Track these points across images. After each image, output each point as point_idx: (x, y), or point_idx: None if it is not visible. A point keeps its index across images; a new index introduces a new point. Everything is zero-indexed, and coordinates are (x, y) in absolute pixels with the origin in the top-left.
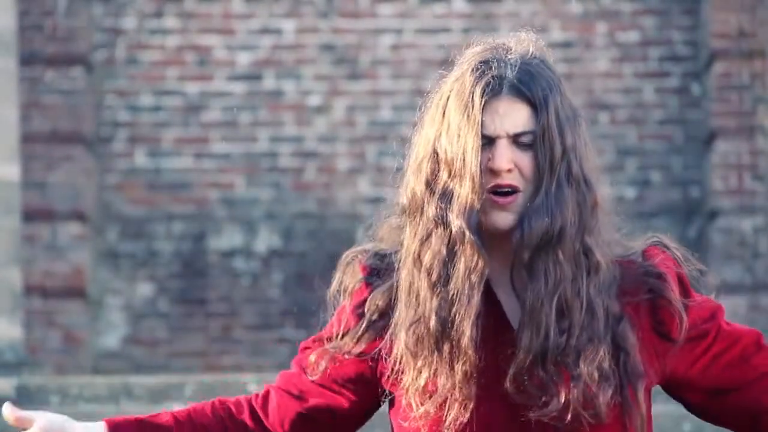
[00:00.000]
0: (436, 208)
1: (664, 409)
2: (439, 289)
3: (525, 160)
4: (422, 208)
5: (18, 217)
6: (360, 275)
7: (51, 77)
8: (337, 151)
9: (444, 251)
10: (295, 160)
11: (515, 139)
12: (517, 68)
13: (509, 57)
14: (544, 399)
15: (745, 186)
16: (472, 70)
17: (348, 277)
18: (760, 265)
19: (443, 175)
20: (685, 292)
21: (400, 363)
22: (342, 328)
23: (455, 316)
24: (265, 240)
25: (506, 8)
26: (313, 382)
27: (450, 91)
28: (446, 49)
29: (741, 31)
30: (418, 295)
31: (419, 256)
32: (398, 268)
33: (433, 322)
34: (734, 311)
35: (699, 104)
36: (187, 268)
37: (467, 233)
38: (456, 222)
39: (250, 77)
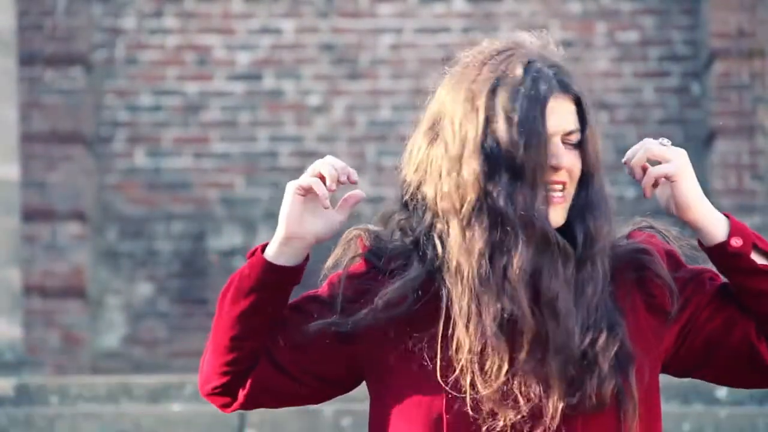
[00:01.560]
0: (501, 201)
1: (664, 409)
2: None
3: (573, 159)
4: (480, 207)
5: (18, 216)
6: (360, 251)
7: (51, 77)
8: (337, 151)
9: (498, 244)
10: (294, 159)
11: (565, 138)
12: (560, 65)
13: (545, 53)
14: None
15: (745, 186)
16: (524, 64)
17: (348, 252)
18: None
19: (501, 169)
20: (677, 265)
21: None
22: (337, 292)
23: (512, 305)
24: (265, 240)
25: (506, 8)
26: (290, 354)
27: (492, 87)
28: (446, 48)
29: (741, 30)
30: (473, 286)
31: (473, 245)
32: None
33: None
34: None
35: (699, 104)
36: (187, 267)
37: (547, 228)
38: (535, 217)
39: (250, 77)
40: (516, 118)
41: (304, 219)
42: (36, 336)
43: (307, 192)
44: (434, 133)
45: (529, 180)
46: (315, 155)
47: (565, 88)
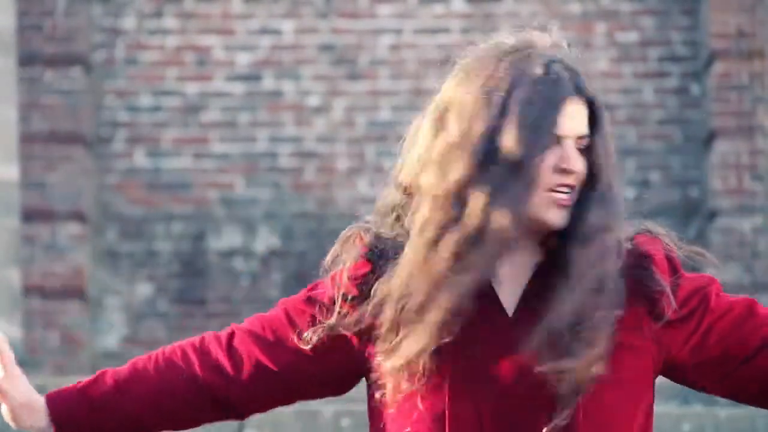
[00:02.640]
0: (483, 199)
1: (665, 409)
2: (444, 273)
3: (582, 162)
4: (458, 196)
5: (17, 217)
6: (360, 250)
7: (50, 77)
8: (337, 152)
9: (470, 241)
10: (294, 160)
11: (577, 142)
12: (575, 68)
13: (563, 56)
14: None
15: (745, 186)
16: (544, 64)
17: (348, 250)
18: (760, 265)
19: (498, 167)
20: (674, 271)
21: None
22: (338, 292)
23: (441, 295)
24: (265, 240)
25: (506, 8)
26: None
27: (511, 84)
28: (446, 49)
29: (740, 31)
30: (416, 275)
31: (437, 240)
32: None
33: (421, 297)
34: None
35: (698, 104)
36: (187, 268)
37: (509, 228)
38: (501, 215)
39: (250, 77)
40: (531, 119)
41: None
42: (36, 336)
43: None
44: (441, 123)
45: (529, 180)
46: (315, 155)
47: (581, 92)
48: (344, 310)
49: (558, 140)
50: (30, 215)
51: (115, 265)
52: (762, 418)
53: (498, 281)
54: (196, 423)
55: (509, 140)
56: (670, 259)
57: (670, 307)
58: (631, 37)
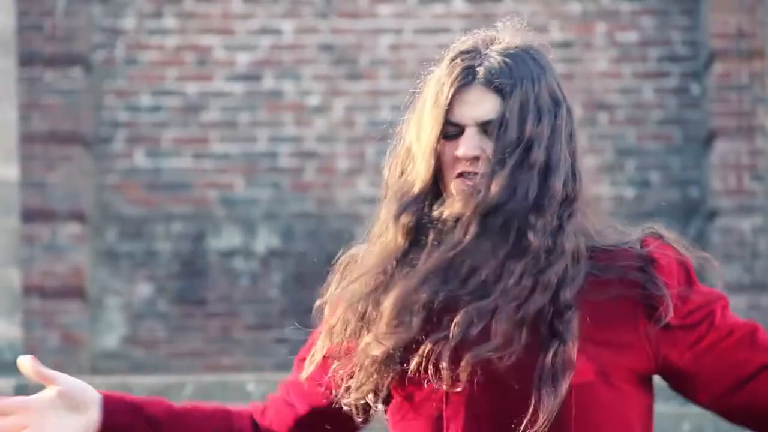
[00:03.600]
0: (394, 195)
1: (664, 409)
2: (378, 270)
3: (489, 146)
4: (386, 195)
5: (17, 217)
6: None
7: (50, 77)
8: (337, 151)
9: (385, 234)
10: (294, 160)
11: (483, 128)
12: (492, 59)
13: (490, 48)
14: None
15: (745, 186)
16: (450, 60)
17: (345, 277)
18: (760, 265)
19: (409, 163)
20: (688, 279)
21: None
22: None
23: (380, 292)
24: (265, 240)
25: (506, 8)
26: (308, 386)
27: (430, 83)
28: (445, 49)
29: (740, 31)
30: (362, 274)
31: (373, 241)
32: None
33: (363, 299)
34: (734, 311)
35: (698, 104)
36: (187, 268)
37: (399, 215)
38: (395, 205)
39: (250, 77)
40: (425, 114)
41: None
42: (35, 336)
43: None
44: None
45: (421, 169)
46: (315, 155)
47: (486, 81)
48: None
49: (461, 130)
50: (30, 215)
51: (115, 265)
52: None
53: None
54: None
55: (412, 135)
56: (683, 266)
57: (668, 313)
58: (631, 37)
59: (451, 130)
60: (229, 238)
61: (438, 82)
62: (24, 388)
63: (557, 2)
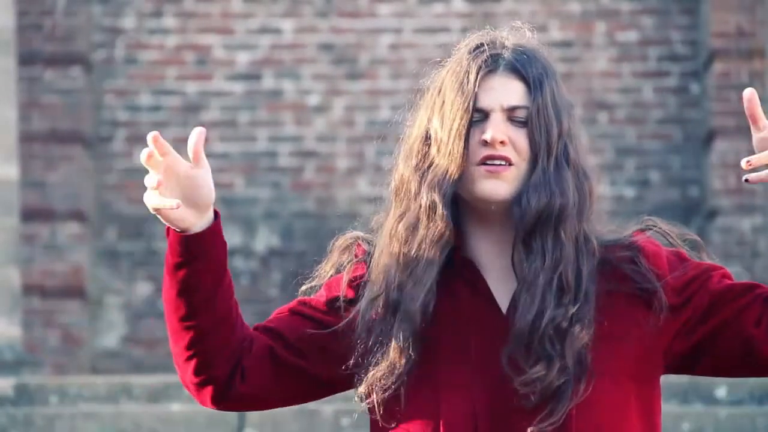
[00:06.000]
0: (418, 184)
1: (664, 409)
2: (403, 262)
3: (520, 136)
4: (408, 189)
5: (17, 216)
6: (358, 255)
7: (50, 77)
8: (336, 151)
9: (415, 224)
10: (294, 159)
11: (510, 115)
12: (512, 49)
13: (506, 41)
14: (536, 374)
15: (745, 186)
16: (470, 50)
17: (345, 256)
18: (759, 265)
19: (432, 153)
20: (683, 261)
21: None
22: (336, 294)
23: (411, 286)
24: (264, 239)
25: (506, 8)
26: (294, 332)
27: (446, 74)
28: (446, 48)
29: (740, 30)
30: (386, 270)
31: (394, 232)
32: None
33: (393, 295)
34: None
35: (698, 104)
36: None
37: (439, 205)
38: (427, 193)
39: (249, 77)
40: (449, 103)
41: (173, 185)
42: (35, 336)
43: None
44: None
45: (449, 156)
46: (314, 155)
47: (511, 67)
48: (342, 312)
49: (486, 116)
50: (30, 215)
51: (115, 264)
52: (762, 418)
53: (486, 268)
54: (222, 350)
55: (434, 124)
56: (676, 254)
57: (663, 303)
58: (631, 36)
59: (475, 116)
60: (228, 237)
61: (458, 72)
62: (24, 388)
63: (557, 2)
